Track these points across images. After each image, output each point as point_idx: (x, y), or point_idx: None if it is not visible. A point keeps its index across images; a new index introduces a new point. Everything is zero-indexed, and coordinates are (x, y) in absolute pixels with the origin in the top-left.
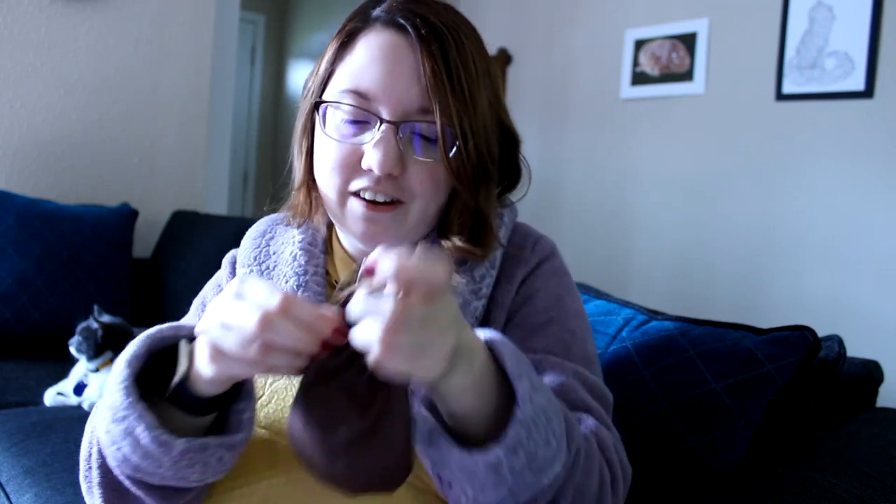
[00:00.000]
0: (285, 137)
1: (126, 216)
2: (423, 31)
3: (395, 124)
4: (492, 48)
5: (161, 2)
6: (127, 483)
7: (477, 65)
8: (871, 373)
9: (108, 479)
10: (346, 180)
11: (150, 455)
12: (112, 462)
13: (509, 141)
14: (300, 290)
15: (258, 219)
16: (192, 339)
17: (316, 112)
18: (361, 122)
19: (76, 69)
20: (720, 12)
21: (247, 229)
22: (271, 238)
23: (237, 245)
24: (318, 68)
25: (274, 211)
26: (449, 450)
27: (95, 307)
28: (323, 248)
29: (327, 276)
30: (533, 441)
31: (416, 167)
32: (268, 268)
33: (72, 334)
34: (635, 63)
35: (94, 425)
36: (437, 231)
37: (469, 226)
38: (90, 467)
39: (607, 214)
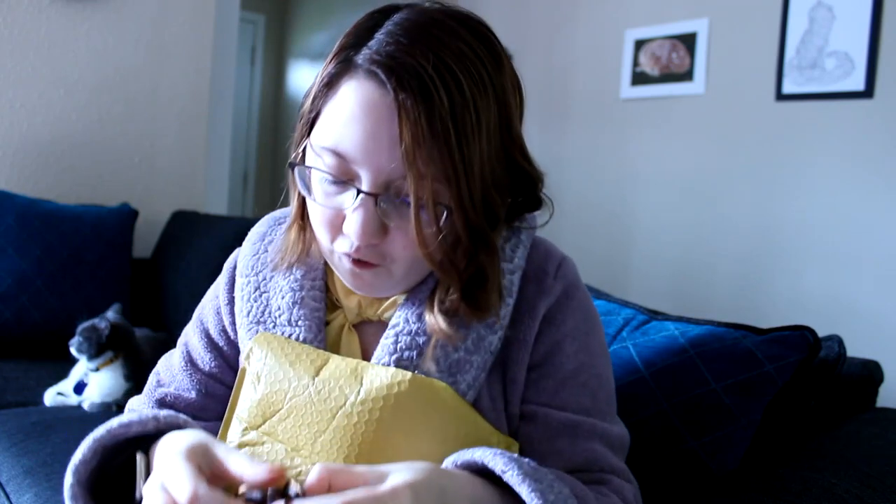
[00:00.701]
0: (285, 137)
1: (126, 216)
2: (405, 88)
3: (375, 195)
4: None
5: (161, 2)
6: None
7: (477, 112)
8: (871, 373)
9: None
10: (332, 238)
11: None
12: None
13: (527, 181)
14: (296, 308)
15: (258, 219)
16: (145, 441)
17: (296, 170)
18: (342, 184)
19: (76, 69)
20: (720, 12)
21: (247, 230)
22: (270, 243)
23: (236, 246)
24: (308, 100)
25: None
26: None
27: (118, 304)
28: (322, 258)
29: (327, 292)
30: None
31: (399, 233)
32: (265, 279)
33: (72, 334)
34: (635, 63)
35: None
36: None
37: (469, 281)
38: None
39: (607, 214)
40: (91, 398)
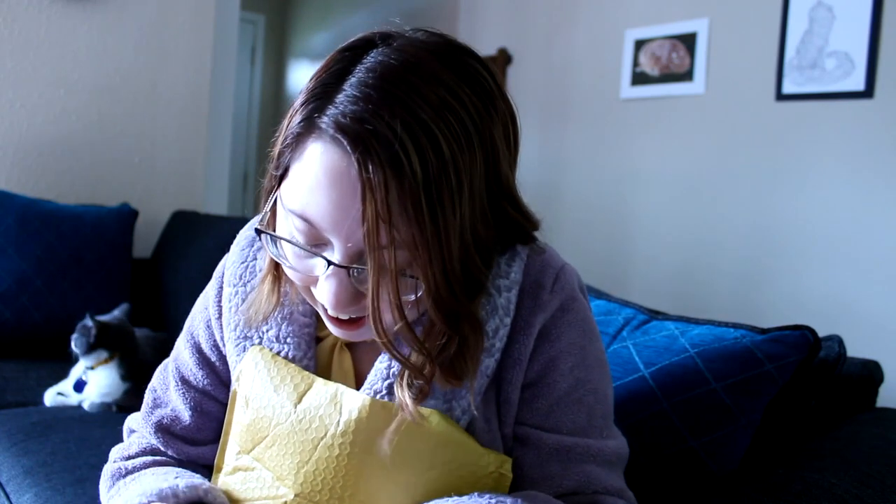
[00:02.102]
0: None
1: (126, 216)
2: (372, 160)
3: (346, 266)
4: (492, 48)
5: (161, 2)
6: None
7: (458, 174)
8: (871, 373)
9: None
10: (310, 295)
11: None
12: None
13: (518, 230)
14: (285, 324)
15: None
16: None
17: (266, 232)
18: (313, 244)
19: (76, 69)
20: (720, 12)
21: None
22: (259, 248)
23: None
24: (276, 151)
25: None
26: None
27: (127, 305)
28: None
29: None
30: None
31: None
32: (253, 289)
33: (72, 334)
34: (635, 63)
35: None
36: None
37: (450, 351)
38: None
39: (607, 214)
40: (90, 397)
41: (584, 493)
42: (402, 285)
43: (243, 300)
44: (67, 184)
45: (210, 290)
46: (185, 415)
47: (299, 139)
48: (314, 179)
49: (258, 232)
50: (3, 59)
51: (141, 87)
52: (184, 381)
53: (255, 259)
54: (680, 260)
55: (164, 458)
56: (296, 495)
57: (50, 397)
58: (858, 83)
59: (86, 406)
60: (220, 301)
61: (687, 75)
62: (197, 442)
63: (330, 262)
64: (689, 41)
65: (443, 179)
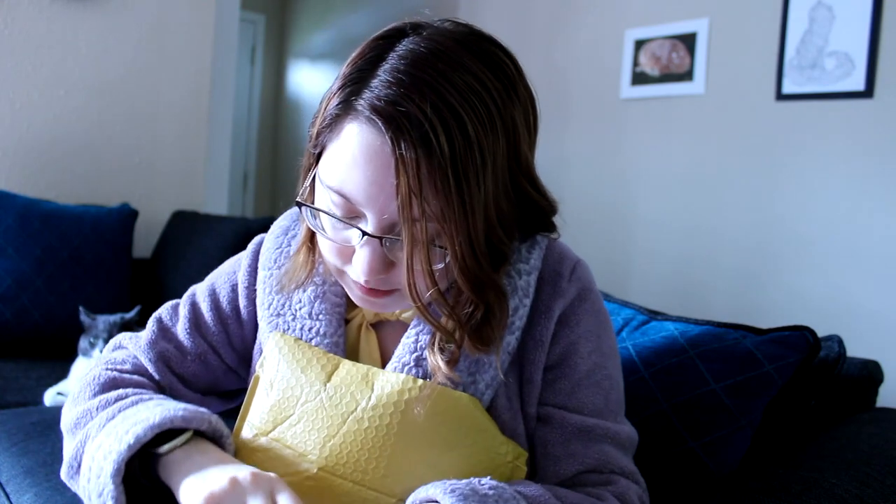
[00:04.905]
0: (285, 137)
1: (126, 216)
2: (405, 138)
3: (380, 236)
4: None
5: (161, 2)
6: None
7: (482, 153)
8: (871, 373)
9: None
10: (342, 265)
11: None
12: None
13: (537, 211)
14: (318, 301)
15: (258, 219)
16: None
17: (306, 205)
18: (348, 221)
19: (76, 69)
20: (720, 12)
21: (247, 230)
22: (293, 237)
23: (237, 245)
24: (314, 131)
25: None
26: None
27: (139, 307)
28: None
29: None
30: None
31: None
32: (287, 272)
33: (71, 334)
34: (635, 63)
35: (84, 437)
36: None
37: (477, 318)
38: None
39: (607, 214)
40: None
41: (601, 471)
42: (433, 255)
43: (277, 282)
44: (67, 184)
45: (243, 262)
46: (188, 357)
47: (336, 120)
48: (351, 157)
49: (299, 204)
50: (3, 59)
51: (141, 87)
52: (195, 328)
53: (290, 246)
54: (679, 260)
55: (155, 385)
56: (319, 469)
57: (50, 397)
58: (858, 83)
59: None
60: (252, 276)
61: (687, 75)
62: (189, 385)
63: (364, 233)
64: (689, 41)
65: (468, 157)
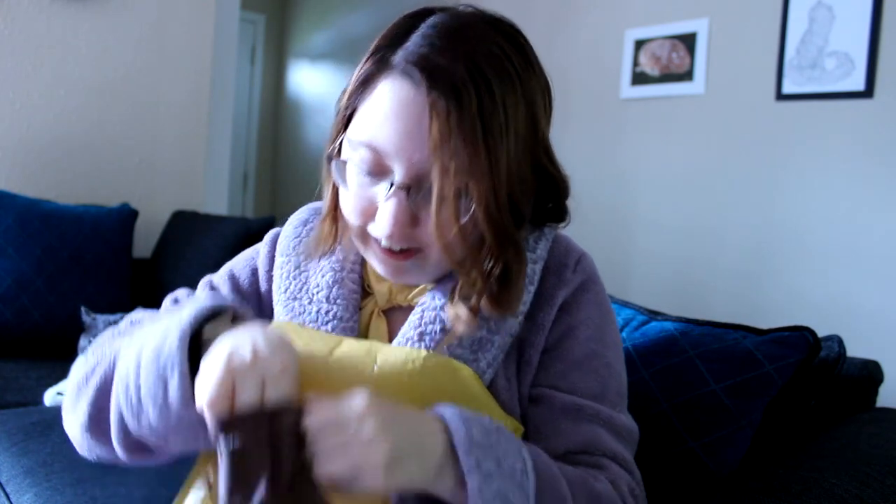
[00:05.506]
0: (285, 137)
1: (126, 216)
2: (437, 87)
3: (407, 187)
4: None
5: (161, 2)
6: (110, 422)
7: (506, 113)
8: (871, 373)
9: (99, 403)
10: (365, 224)
11: (162, 404)
12: (117, 393)
13: (552, 185)
14: (336, 287)
15: (258, 219)
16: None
17: (336, 159)
18: (376, 175)
19: (76, 69)
20: (720, 12)
21: (246, 230)
22: (311, 229)
23: (236, 245)
24: (344, 97)
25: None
26: None
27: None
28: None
29: (363, 274)
30: None
31: (430, 222)
32: (312, 239)
33: (71, 334)
34: (635, 63)
35: (117, 349)
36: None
37: (495, 275)
38: (86, 384)
39: (607, 214)
40: None
41: (591, 453)
42: (459, 206)
43: (296, 267)
44: (67, 184)
45: (262, 249)
46: None
47: (369, 79)
48: (383, 112)
49: (328, 159)
50: (3, 59)
51: (141, 87)
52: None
53: (307, 236)
54: (679, 260)
55: None
56: None
57: (50, 397)
58: (858, 83)
59: None
60: (271, 261)
61: (687, 75)
62: None
63: (392, 184)
64: (689, 41)
65: (494, 114)
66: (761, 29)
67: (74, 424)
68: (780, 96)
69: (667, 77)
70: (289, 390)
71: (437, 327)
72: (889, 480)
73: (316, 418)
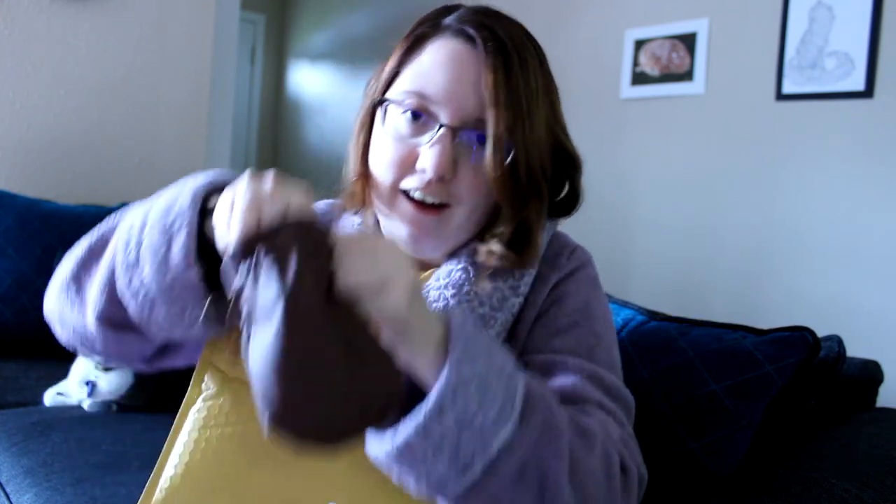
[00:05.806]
0: (285, 137)
1: None
2: (489, 44)
3: (454, 129)
4: None
5: (161, 2)
6: (93, 278)
7: (538, 83)
8: (871, 373)
9: (89, 259)
10: (399, 177)
11: (162, 260)
12: (115, 247)
13: (567, 163)
14: None
15: None
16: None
17: (379, 108)
18: (420, 123)
19: (76, 69)
20: (720, 12)
21: None
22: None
23: None
24: (384, 68)
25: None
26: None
27: None
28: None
29: None
30: (461, 404)
31: (468, 173)
32: (342, 198)
33: None
34: (635, 63)
35: (126, 220)
36: (479, 238)
37: (511, 237)
38: (79, 245)
39: (607, 214)
40: (102, 398)
41: (574, 402)
42: (501, 150)
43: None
44: (67, 184)
45: None
46: None
47: (419, 41)
48: (433, 62)
49: (380, 101)
50: (3, 59)
51: (141, 87)
52: None
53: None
54: (679, 260)
55: None
56: None
57: (50, 397)
58: (858, 83)
59: (86, 406)
60: None
61: (687, 75)
62: None
63: (441, 125)
64: (689, 41)
65: (531, 78)
66: (761, 29)
67: (55, 283)
68: (780, 96)
69: (667, 77)
70: (312, 210)
71: (441, 305)
72: (889, 480)
73: (346, 233)
